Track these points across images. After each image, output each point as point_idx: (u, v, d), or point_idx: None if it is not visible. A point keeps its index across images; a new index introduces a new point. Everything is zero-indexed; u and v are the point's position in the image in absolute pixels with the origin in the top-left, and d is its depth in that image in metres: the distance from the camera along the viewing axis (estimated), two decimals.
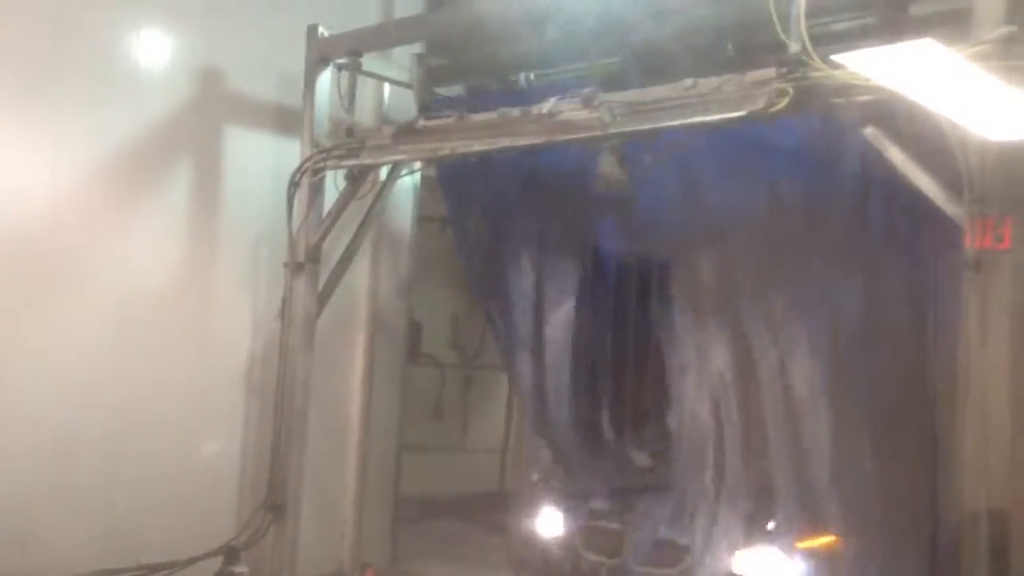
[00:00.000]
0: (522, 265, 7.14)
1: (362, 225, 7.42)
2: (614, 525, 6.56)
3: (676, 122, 5.14)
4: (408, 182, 8.09)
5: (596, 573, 6.60)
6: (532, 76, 7.23)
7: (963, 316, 4.42)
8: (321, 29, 7.01)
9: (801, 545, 5.67)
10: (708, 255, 6.11)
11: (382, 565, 7.97)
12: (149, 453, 6.74)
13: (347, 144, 6.78)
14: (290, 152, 7.12)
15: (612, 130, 5.35)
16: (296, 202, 6.92)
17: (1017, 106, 3.84)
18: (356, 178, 7.04)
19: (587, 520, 6.74)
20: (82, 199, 6.57)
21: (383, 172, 7.43)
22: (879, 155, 4.71)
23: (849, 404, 5.69)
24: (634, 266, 7.24)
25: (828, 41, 4.62)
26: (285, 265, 6.98)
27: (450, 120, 6.23)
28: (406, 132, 6.42)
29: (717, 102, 4.97)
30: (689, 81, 5.09)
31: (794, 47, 4.48)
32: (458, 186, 7.42)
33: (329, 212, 7.03)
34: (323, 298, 7.14)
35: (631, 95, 5.34)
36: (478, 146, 6.01)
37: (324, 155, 6.87)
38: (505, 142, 5.85)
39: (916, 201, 4.68)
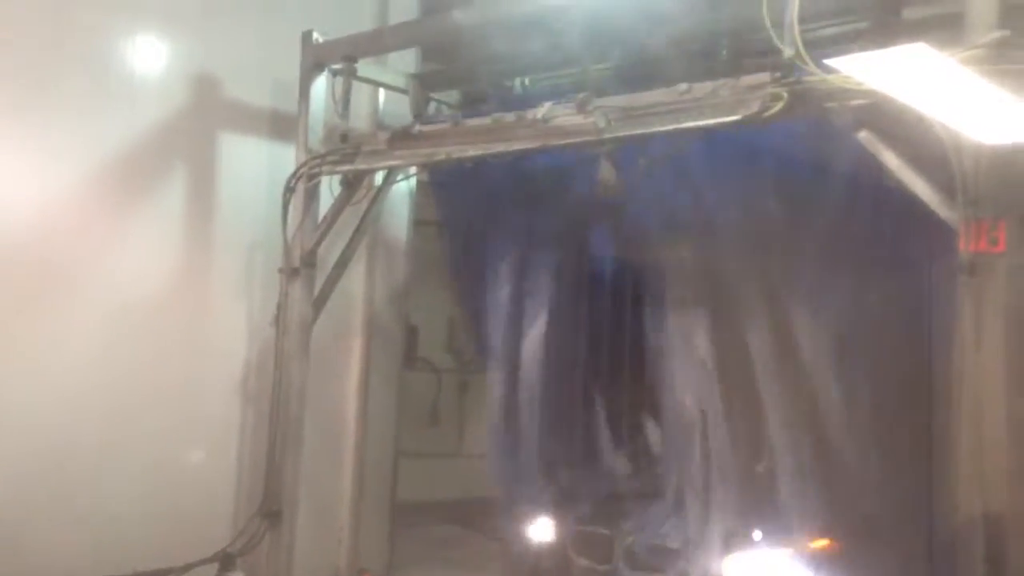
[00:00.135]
0: (503, 272, 7.17)
1: (357, 230, 7.42)
2: (605, 531, 6.55)
3: (670, 127, 5.13)
4: (404, 187, 8.08)
5: None
6: (527, 81, 7.25)
7: (958, 320, 4.41)
8: (316, 35, 7.01)
9: (795, 549, 5.67)
10: (703, 261, 6.11)
11: (379, 571, 7.96)
12: (144, 460, 6.72)
13: (342, 149, 6.78)
14: (285, 158, 7.11)
15: (606, 135, 5.34)
16: (291, 208, 6.91)
17: (1010, 110, 3.84)
18: (351, 183, 7.04)
19: (577, 526, 6.73)
20: (76, 206, 6.55)
21: (378, 177, 7.42)
22: (873, 159, 4.71)
23: (844, 408, 5.69)
24: (621, 273, 7.26)
25: (822, 45, 4.63)
26: (280, 270, 6.97)
27: (445, 125, 6.25)
28: (401, 137, 6.43)
29: (711, 107, 4.98)
30: (683, 86, 5.10)
31: (788, 52, 4.47)
32: (448, 192, 7.46)
33: (324, 217, 7.03)
34: (319, 304, 7.13)
35: (625, 100, 5.34)
36: (473, 151, 6.01)
37: (319, 160, 6.86)
38: (500, 147, 5.85)
39: (910, 204, 4.67)
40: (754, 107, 4.75)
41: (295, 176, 6.90)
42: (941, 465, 5.30)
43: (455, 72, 7.64)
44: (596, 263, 7.45)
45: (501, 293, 7.22)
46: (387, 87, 7.59)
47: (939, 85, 3.76)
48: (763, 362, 5.90)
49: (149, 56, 6.93)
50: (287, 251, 6.93)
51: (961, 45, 3.93)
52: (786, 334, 5.81)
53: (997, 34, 4.00)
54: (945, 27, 4.41)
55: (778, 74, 4.68)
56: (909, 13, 5.28)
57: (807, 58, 4.34)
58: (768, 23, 4.44)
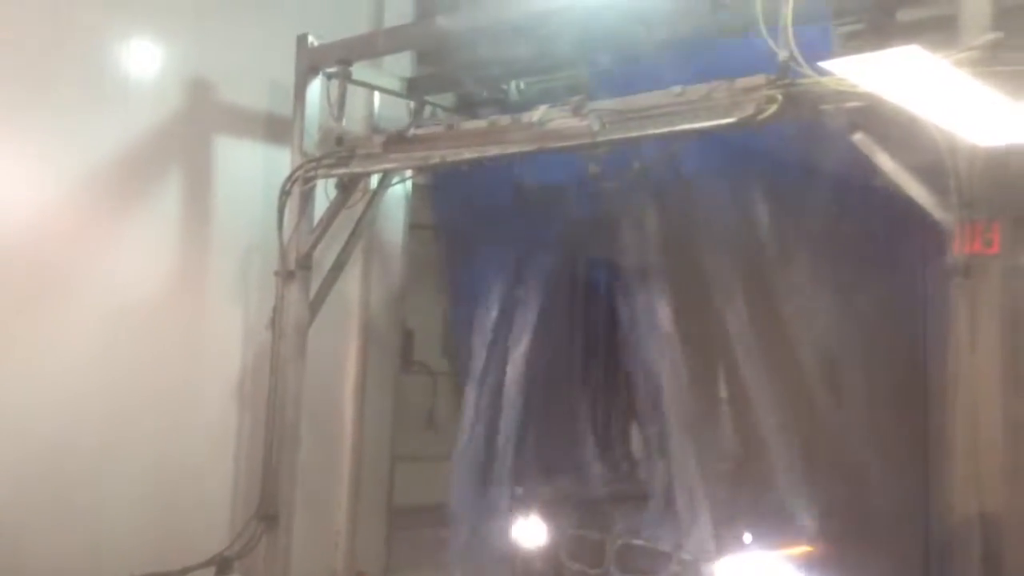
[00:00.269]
0: (494, 276, 7.20)
1: (353, 233, 7.43)
2: (596, 534, 6.54)
3: (665, 129, 5.14)
4: (399, 190, 8.08)
5: None
6: (522, 85, 7.26)
7: (952, 321, 4.42)
8: (311, 38, 7.01)
9: (788, 552, 5.66)
10: (695, 266, 6.11)
11: (376, 574, 7.96)
12: (141, 463, 6.71)
13: (337, 153, 6.78)
14: (280, 161, 7.12)
15: (601, 138, 5.34)
16: (287, 211, 6.92)
17: (1004, 111, 3.86)
18: (347, 187, 7.05)
19: (569, 529, 6.73)
20: (72, 208, 6.53)
21: (374, 180, 7.43)
22: (867, 160, 4.72)
23: (841, 410, 5.69)
24: (611, 278, 7.26)
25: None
26: (276, 274, 6.97)
27: (440, 129, 6.25)
28: (396, 141, 6.42)
29: (706, 109, 4.97)
30: (678, 88, 5.10)
31: (782, 54, 4.49)
32: (444, 197, 7.48)
33: (320, 221, 7.03)
34: (315, 307, 7.13)
35: (620, 103, 5.33)
36: (468, 154, 6.01)
37: (315, 164, 6.86)
38: (495, 150, 5.85)
39: (905, 206, 4.68)
40: (749, 109, 4.76)
41: (290, 179, 6.90)
42: (937, 466, 5.31)
43: (450, 75, 7.64)
44: (586, 269, 7.46)
45: (491, 296, 7.22)
46: (382, 90, 7.59)
47: (933, 87, 3.77)
48: (757, 365, 5.90)
49: (145, 59, 6.92)
50: (283, 254, 6.93)
51: (955, 47, 3.95)
52: (781, 337, 5.81)
53: (991, 36, 4.02)
54: (939, 29, 4.43)
55: (773, 76, 4.68)
56: (903, 15, 5.29)
57: (802, 60, 4.35)
58: (762, 25, 4.45)
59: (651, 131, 5.20)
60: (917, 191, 4.53)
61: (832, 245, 5.74)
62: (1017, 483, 4.28)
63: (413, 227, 8.47)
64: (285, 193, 6.90)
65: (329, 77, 6.97)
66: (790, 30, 4.37)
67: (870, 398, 5.69)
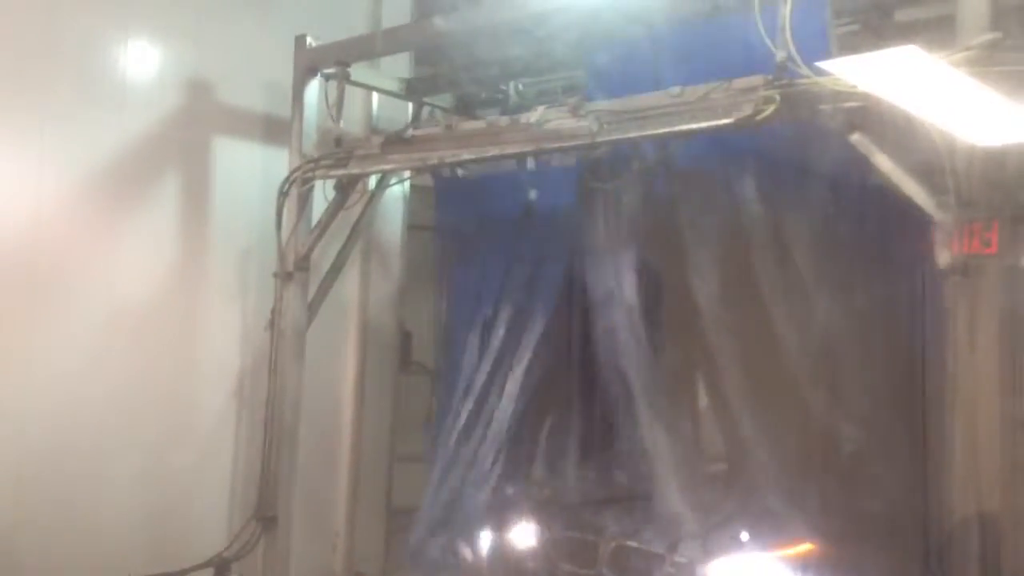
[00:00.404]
0: (488, 279, 7.20)
1: (351, 235, 7.44)
2: (589, 536, 6.54)
3: (663, 130, 5.14)
4: (398, 191, 8.09)
5: None
6: (520, 86, 7.26)
7: (951, 321, 4.42)
8: (309, 40, 7.02)
9: (784, 553, 5.66)
10: (690, 273, 6.10)
11: (374, 575, 7.95)
12: (139, 465, 6.71)
13: (336, 154, 6.78)
14: (279, 162, 7.12)
15: (600, 139, 5.35)
16: (285, 212, 6.92)
17: (1002, 111, 3.86)
18: (345, 188, 7.04)
19: (561, 531, 6.72)
20: (68, 211, 6.53)
21: (372, 181, 7.43)
22: (865, 160, 4.72)
23: (839, 410, 5.69)
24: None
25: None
26: (275, 275, 6.97)
27: (438, 129, 6.25)
28: (394, 141, 6.42)
29: (704, 110, 4.97)
30: (676, 89, 5.10)
31: (780, 55, 4.49)
32: (447, 200, 7.49)
33: (318, 222, 7.02)
34: (313, 308, 7.13)
35: (618, 103, 5.34)
36: (467, 155, 6.02)
37: (313, 165, 6.86)
38: (493, 151, 5.85)
39: (903, 206, 4.68)
40: (747, 110, 4.75)
41: (289, 180, 6.91)
42: (936, 466, 5.31)
43: (448, 76, 7.64)
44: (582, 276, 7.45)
45: (485, 298, 7.22)
46: (380, 91, 7.59)
47: (931, 87, 3.77)
48: (755, 365, 5.90)
49: (142, 60, 6.92)
50: (281, 255, 6.93)
51: (953, 47, 3.95)
52: (779, 337, 5.81)
53: (988, 36, 4.02)
54: (937, 29, 4.43)
55: (770, 77, 4.68)
56: (901, 15, 5.30)
57: (799, 60, 4.35)
58: (760, 25, 4.45)
59: (649, 131, 5.21)
60: (915, 191, 4.52)
61: (830, 245, 5.74)
62: (1016, 483, 4.28)
63: (411, 228, 8.47)
64: (283, 194, 6.91)
65: (327, 78, 6.96)
66: (788, 31, 4.37)
67: (869, 398, 5.69)
